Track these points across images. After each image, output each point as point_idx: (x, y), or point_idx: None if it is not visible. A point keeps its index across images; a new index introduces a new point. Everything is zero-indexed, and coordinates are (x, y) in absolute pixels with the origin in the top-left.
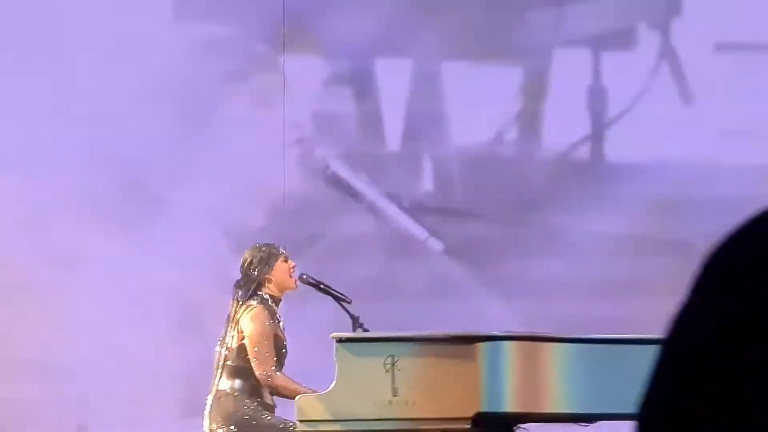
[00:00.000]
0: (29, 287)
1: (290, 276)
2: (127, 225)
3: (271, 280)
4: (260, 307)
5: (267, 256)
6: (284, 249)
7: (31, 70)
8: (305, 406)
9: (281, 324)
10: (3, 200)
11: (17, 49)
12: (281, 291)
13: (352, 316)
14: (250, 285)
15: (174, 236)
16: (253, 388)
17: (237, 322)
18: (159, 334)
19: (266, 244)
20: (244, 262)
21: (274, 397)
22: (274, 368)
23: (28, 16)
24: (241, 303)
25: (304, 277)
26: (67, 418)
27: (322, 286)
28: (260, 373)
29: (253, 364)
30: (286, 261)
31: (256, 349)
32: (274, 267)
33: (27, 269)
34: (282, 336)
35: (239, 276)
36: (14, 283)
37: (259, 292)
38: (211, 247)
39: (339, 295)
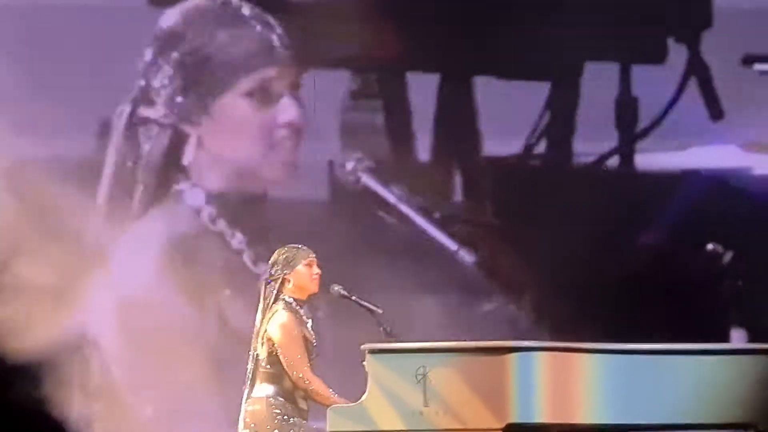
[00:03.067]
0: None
1: (311, 280)
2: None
3: (290, 280)
4: (286, 313)
5: (291, 257)
6: (312, 254)
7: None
8: (337, 416)
9: (309, 324)
10: None
11: None
12: (303, 294)
13: (383, 328)
14: (274, 284)
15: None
16: (287, 393)
17: (265, 330)
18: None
19: (294, 246)
20: (271, 261)
21: (308, 402)
22: (309, 372)
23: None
24: (266, 306)
25: (336, 288)
26: None
27: (353, 297)
28: (296, 378)
29: (288, 370)
30: (309, 266)
31: (288, 354)
32: (295, 269)
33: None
34: (310, 337)
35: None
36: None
37: (282, 296)
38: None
39: (371, 306)
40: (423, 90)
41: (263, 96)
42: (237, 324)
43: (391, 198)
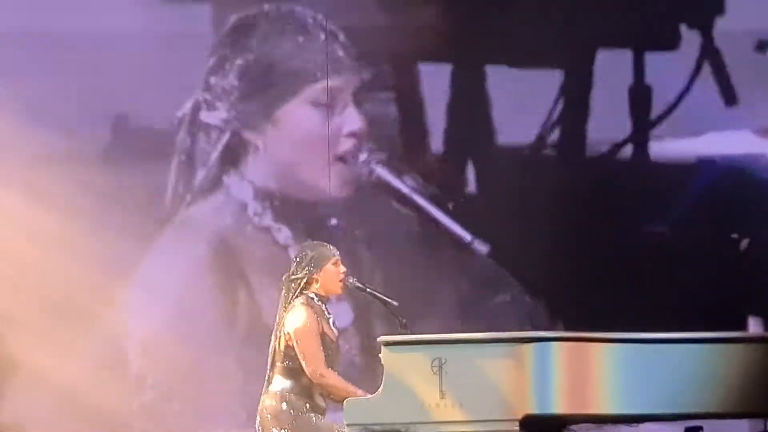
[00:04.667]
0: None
1: (338, 281)
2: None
3: (318, 280)
4: (305, 308)
5: (318, 257)
6: (337, 253)
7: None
8: (353, 409)
9: (331, 320)
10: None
11: None
12: (327, 293)
13: (398, 319)
14: (298, 282)
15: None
16: (304, 388)
17: (282, 324)
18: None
19: (320, 244)
20: (295, 258)
21: (327, 399)
22: (324, 367)
23: None
24: (287, 302)
25: (351, 281)
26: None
27: (368, 289)
28: (311, 373)
29: (303, 364)
30: (336, 265)
31: (303, 349)
32: (323, 269)
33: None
34: (330, 334)
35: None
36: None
37: (305, 291)
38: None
39: (385, 298)
40: (435, 80)
41: (326, 106)
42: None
43: (404, 189)
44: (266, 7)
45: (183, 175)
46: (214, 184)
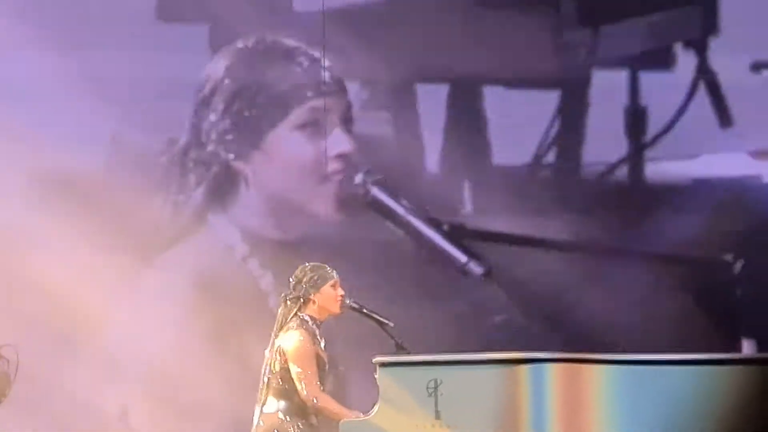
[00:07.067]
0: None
1: (336, 302)
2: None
3: (315, 301)
4: (300, 330)
5: (317, 278)
6: (336, 275)
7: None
8: (348, 430)
9: (322, 344)
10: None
11: None
12: (323, 314)
13: (395, 340)
14: (295, 301)
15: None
16: (298, 409)
17: (278, 346)
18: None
19: (319, 266)
20: (294, 279)
21: (319, 418)
22: (319, 389)
23: None
24: (283, 322)
25: (348, 301)
26: None
27: (364, 310)
28: (306, 395)
29: (298, 387)
30: (335, 287)
31: (299, 372)
32: (321, 290)
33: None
34: (322, 356)
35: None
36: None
37: (301, 313)
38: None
39: (381, 319)
40: (432, 100)
41: (315, 128)
42: (256, 367)
43: (400, 210)
44: (253, 38)
45: (172, 209)
46: (200, 222)
